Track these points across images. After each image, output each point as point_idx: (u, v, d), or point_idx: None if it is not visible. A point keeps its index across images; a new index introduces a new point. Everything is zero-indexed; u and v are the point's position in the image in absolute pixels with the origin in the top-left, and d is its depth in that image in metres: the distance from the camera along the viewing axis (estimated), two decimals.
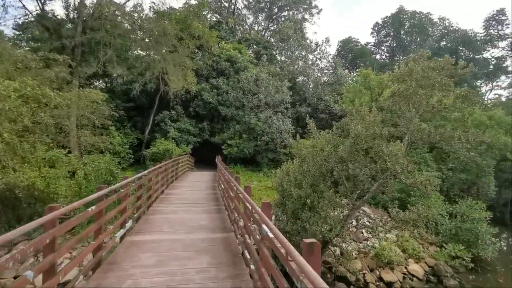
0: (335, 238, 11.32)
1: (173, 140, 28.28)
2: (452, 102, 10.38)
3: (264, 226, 3.61)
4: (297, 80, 40.23)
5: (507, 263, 18.93)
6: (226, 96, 31.52)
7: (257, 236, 4.53)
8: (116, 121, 27.21)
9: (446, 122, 21.40)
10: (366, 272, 14.82)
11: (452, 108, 10.71)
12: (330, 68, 40.84)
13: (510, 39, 43.26)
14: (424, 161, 20.16)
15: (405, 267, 15.56)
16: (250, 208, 5.01)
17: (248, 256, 5.17)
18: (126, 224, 7.02)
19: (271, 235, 3.48)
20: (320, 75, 40.75)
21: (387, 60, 58.89)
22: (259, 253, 4.39)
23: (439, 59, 10.15)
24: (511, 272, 17.51)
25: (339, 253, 14.81)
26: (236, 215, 6.94)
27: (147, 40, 26.57)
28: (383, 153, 9.37)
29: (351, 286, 13.97)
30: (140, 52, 29.99)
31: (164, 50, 26.16)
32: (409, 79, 9.90)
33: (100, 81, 33.76)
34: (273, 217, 14.71)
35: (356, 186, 11.76)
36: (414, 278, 15.09)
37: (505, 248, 20.53)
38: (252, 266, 4.72)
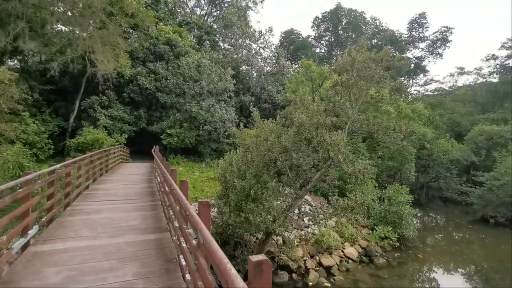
0: (279, 228, 11.19)
1: (104, 129, 25.38)
2: (388, 94, 10.91)
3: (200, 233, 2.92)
4: (241, 69, 39.59)
5: (423, 239, 21.49)
6: (165, 82, 29.36)
7: (193, 241, 3.81)
8: (32, 106, 23.26)
9: (378, 114, 23.08)
10: (307, 258, 15.24)
11: (386, 100, 11.21)
12: (273, 58, 41.09)
13: (429, 41, 49.04)
14: (359, 151, 21.50)
15: (342, 251, 16.45)
16: (184, 210, 4.26)
17: (184, 263, 4.42)
18: (29, 231, 5.63)
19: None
20: (264, 64, 40.74)
21: (326, 54, 61.79)
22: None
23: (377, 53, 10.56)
24: (427, 246, 19.87)
25: (281, 242, 14.91)
26: (171, 213, 6.07)
27: (69, 13, 22.96)
28: (326, 142, 9.37)
29: (293, 274, 14.23)
30: (62, 27, 25.89)
31: (90, 27, 22.94)
32: (351, 69, 10.06)
33: (13, 59, 28.43)
34: (215, 210, 14.06)
35: (299, 175, 11.74)
36: (350, 260, 16.05)
37: (420, 225, 23.06)
38: (188, 276, 4.00)
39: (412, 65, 51.54)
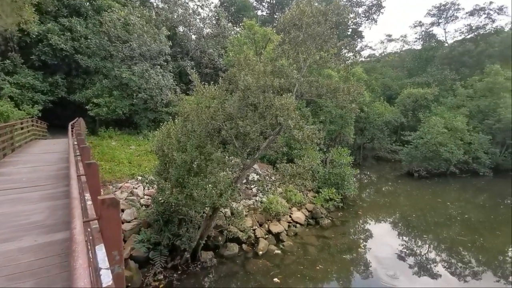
0: (226, 202, 10.39)
1: (10, 100, 20.95)
2: (335, 55, 10.34)
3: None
4: (178, 30, 35.91)
5: (361, 196, 23.17)
6: (86, 42, 25.00)
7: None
8: None
9: (321, 78, 23.00)
10: (257, 227, 15.01)
11: (333, 61, 10.63)
12: (213, 18, 38.02)
13: (365, 7, 50.43)
14: (304, 115, 21.46)
15: (290, 216, 16.62)
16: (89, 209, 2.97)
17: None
18: None
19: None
20: (203, 26, 37.53)
21: (268, 17, 59.79)
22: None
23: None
24: (365, 204, 21.45)
25: (229, 214, 14.33)
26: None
27: None
28: (274, 107, 8.50)
29: (243, 244, 13.91)
30: None
31: None
32: (299, 24, 9.08)
33: None
34: (155, 187, 12.63)
35: (246, 144, 10.86)
36: (298, 225, 16.33)
37: (358, 184, 24.64)
38: None
39: (350, 30, 52.97)
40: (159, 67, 27.40)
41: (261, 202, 16.20)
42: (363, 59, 54.90)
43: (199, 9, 37.97)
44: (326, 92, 9.48)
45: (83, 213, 3.61)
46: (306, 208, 17.72)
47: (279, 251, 13.75)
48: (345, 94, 9.22)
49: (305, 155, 13.09)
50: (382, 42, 55.65)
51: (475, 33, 43.71)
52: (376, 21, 55.16)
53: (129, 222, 12.64)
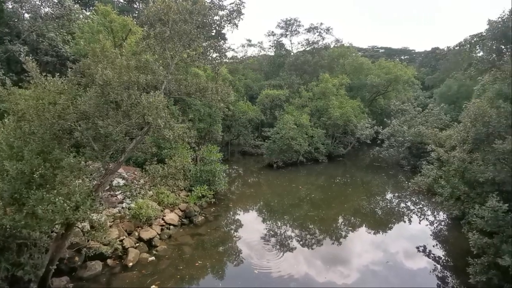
0: (85, 214, 8.89)
1: None
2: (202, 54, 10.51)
3: None
4: (6, 6, 27.63)
5: (231, 189, 24.70)
6: None
7: None
8: None
9: (187, 76, 22.87)
10: (124, 237, 13.59)
11: (201, 60, 10.81)
12: None
13: (227, 11, 53.28)
14: (173, 114, 20.81)
15: (163, 219, 15.90)
16: None
17: None
18: None
19: None
20: (39, 3, 30.32)
21: (126, 5, 54.27)
22: None
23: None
24: (235, 196, 23.01)
25: (89, 228, 12.36)
26: None
27: None
28: (141, 105, 7.86)
29: (108, 259, 12.31)
30: None
31: None
32: (165, 19, 8.68)
33: None
34: None
35: (109, 146, 9.60)
36: (171, 226, 15.83)
37: (227, 178, 26.03)
38: None
39: (214, 31, 54.83)
40: None
41: (129, 209, 14.78)
42: (227, 61, 58.16)
43: None
44: (195, 91, 9.53)
45: None
46: (179, 208, 17.40)
47: (153, 258, 12.96)
48: (214, 94, 9.55)
49: (177, 155, 12.78)
50: (243, 46, 60.37)
51: (312, 46, 53.87)
52: (237, 26, 59.42)
53: None
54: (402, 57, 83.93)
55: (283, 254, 14.26)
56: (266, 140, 33.36)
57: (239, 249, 14.77)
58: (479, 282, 10.02)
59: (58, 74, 9.84)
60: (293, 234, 17.01)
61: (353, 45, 56.83)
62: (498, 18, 11.43)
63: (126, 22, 20.37)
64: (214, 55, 15.16)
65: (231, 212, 20.02)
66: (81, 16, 31.92)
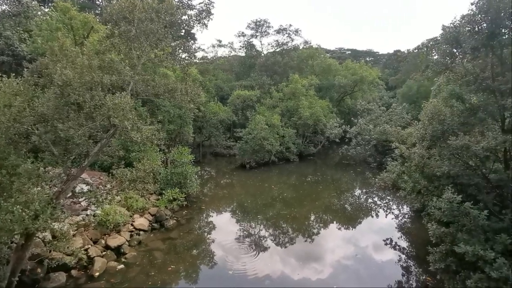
0: (45, 223, 8.34)
1: None
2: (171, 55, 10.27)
3: None
4: None
5: (203, 191, 24.36)
6: None
7: None
8: None
9: (156, 76, 22.25)
10: (90, 246, 12.93)
11: (169, 60, 10.59)
12: None
13: (196, 10, 52.63)
14: (141, 115, 20.13)
15: (132, 225, 15.31)
16: None
17: None
18: None
19: None
20: None
21: (87, 1, 51.59)
22: None
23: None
24: (209, 198, 22.73)
25: (50, 237, 11.61)
26: None
27: None
28: (106, 107, 7.52)
29: (72, 270, 11.65)
30: None
31: None
32: (130, 18, 8.37)
33: None
34: None
35: (70, 150, 9.08)
36: (141, 232, 15.29)
37: (200, 180, 25.69)
38: None
39: (183, 31, 53.78)
40: None
41: (94, 216, 14.08)
42: (197, 61, 57.26)
43: None
44: (164, 92, 9.29)
45: None
46: (149, 213, 16.85)
47: (122, 266, 12.45)
48: (183, 95, 9.37)
49: (145, 157, 12.37)
50: (213, 46, 59.78)
51: (281, 47, 54.66)
52: (206, 26, 58.73)
53: None
54: (367, 59, 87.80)
55: (258, 254, 14.33)
56: (238, 141, 33.32)
57: (213, 251, 14.62)
58: (438, 269, 10.75)
59: (13, 74, 9.16)
60: (267, 234, 17.16)
61: (321, 47, 58.37)
62: (450, 23, 12.35)
63: (88, 19, 19.36)
64: (183, 55, 14.91)
65: (204, 214, 19.77)
66: (39, 13, 29.97)
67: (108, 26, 9.37)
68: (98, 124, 8.65)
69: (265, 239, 16.38)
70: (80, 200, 15.00)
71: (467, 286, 9.31)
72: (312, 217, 20.08)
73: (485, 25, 10.84)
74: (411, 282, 12.81)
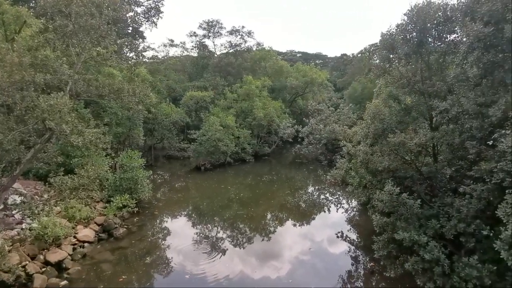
0: None
1: None
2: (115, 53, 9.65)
3: None
4: None
5: (156, 196, 23.35)
6: None
7: None
8: None
9: (100, 76, 20.80)
10: (27, 262, 11.65)
11: (114, 59, 9.98)
12: None
13: (144, 8, 50.17)
14: (84, 118, 18.62)
15: (75, 237, 14.09)
16: None
17: None
18: None
19: None
20: None
21: None
22: None
23: None
24: (162, 203, 21.87)
25: None
26: None
27: None
28: (40, 108, 6.81)
29: None
30: None
31: None
32: (67, 11, 7.66)
33: None
34: None
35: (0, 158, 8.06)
36: (86, 244, 14.13)
37: (152, 185, 24.64)
38: None
39: (130, 28, 50.96)
40: None
41: (31, 230, 12.67)
42: (146, 60, 54.62)
43: None
44: (109, 93, 8.71)
45: None
46: (95, 223, 15.66)
47: (65, 282, 11.42)
48: (131, 96, 8.89)
49: (90, 163, 11.47)
50: (165, 46, 57.59)
51: (235, 49, 54.78)
52: (156, 24, 56.33)
53: None
54: (317, 61, 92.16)
55: (216, 256, 14.19)
56: (192, 143, 32.60)
57: (169, 257, 14.11)
58: (382, 256, 11.71)
59: None
60: (225, 235, 17.05)
61: (273, 49, 59.67)
62: (387, 31, 13.56)
63: (20, 13, 17.30)
64: (131, 54, 14.13)
65: (157, 220, 18.98)
66: None
67: (42, 20, 8.49)
68: (31, 127, 7.82)
69: (223, 240, 16.26)
70: (13, 212, 13.41)
71: (405, 268, 10.30)
72: (269, 216, 20.45)
73: (414, 34, 12.09)
74: (359, 270, 13.80)
